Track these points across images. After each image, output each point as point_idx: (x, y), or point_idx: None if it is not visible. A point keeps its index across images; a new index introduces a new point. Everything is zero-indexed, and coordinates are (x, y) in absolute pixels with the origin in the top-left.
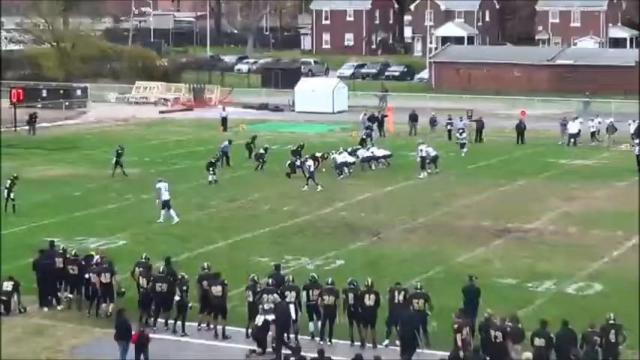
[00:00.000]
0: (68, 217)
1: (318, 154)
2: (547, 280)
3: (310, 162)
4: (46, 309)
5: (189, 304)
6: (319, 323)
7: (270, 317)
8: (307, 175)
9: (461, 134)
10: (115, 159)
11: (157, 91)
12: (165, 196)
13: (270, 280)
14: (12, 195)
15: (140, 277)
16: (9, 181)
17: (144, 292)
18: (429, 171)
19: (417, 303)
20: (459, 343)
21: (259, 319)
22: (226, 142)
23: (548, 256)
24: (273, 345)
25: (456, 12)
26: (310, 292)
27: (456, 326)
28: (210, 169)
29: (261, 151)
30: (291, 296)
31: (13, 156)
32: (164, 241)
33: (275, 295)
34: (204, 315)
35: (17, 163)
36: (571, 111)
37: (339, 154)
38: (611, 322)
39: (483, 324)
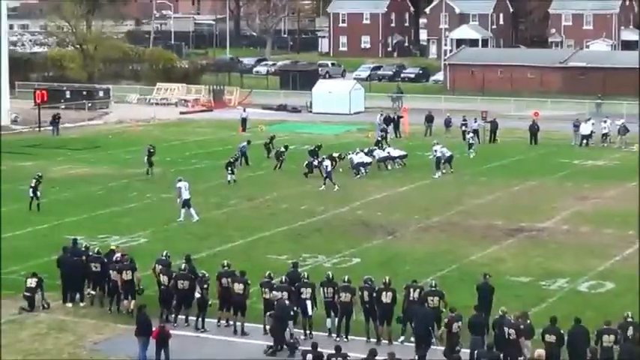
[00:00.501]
0: (90, 215)
1: (335, 155)
2: (559, 278)
3: (327, 162)
4: (69, 305)
5: (209, 302)
6: (336, 320)
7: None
8: (324, 175)
9: (469, 134)
10: (146, 158)
11: (178, 93)
12: (186, 195)
13: (283, 278)
14: (38, 194)
15: (160, 275)
16: (34, 181)
17: (164, 289)
18: (443, 171)
19: (432, 300)
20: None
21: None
22: (245, 143)
23: (561, 255)
24: (289, 340)
25: (471, 15)
26: (325, 289)
27: (446, 320)
28: (229, 168)
29: (282, 149)
30: (306, 292)
31: (37, 156)
32: (184, 239)
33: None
34: (224, 312)
35: (41, 162)
36: (583, 112)
37: (356, 154)
38: (629, 319)
39: (497, 321)
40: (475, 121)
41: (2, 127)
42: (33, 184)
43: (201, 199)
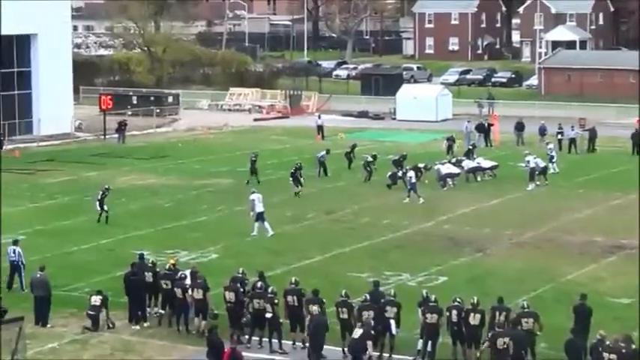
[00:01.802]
0: (158, 229)
1: (421, 165)
2: None
3: (412, 173)
4: (137, 326)
5: (281, 321)
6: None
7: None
8: (409, 187)
9: (548, 146)
10: (250, 166)
11: (252, 98)
12: (259, 207)
13: (365, 296)
14: (105, 206)
15: (226, 291)
16: (101, 193)
17: (231, 307)
18: (537, 183)
19: (526, 322)
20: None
21: (356, 333)
22: (324, 152)
23: None
24: None
25: (568, 15)
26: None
27: (490, 335)
28: (290, 179)
29: (369, 158)
30: (391, 311)
31: (102, 165)
32: (258, 255)
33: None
34: (297, 333)
35: (106, 172)
36: None
37: (443, 164)
38: None
39: (595, 345)
40: (572, 129)
41: (65, 134)
42: (100, 197)
43: (277, 212)
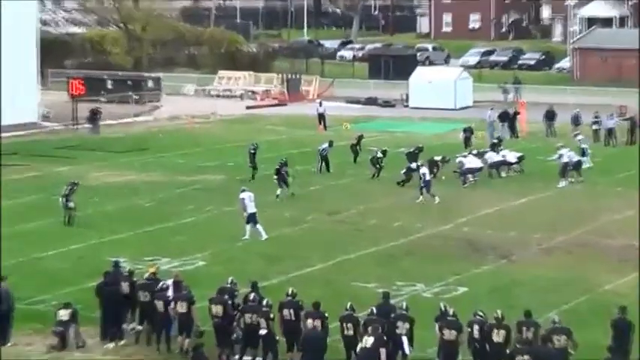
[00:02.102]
0: (137, 232)
1: (437, 158)
2: None
3: (425, 169)
4: (111, 344)
5: (277, 338)
6: None
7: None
8: (421, 185)
9: (579, 138)
10: (249, 160)
11: (244, 83)
12: (251, 208)
13: (371, 309)
14: (71, 204)
15: (213, 304)
16: (68, 188)
17: (218, 322)
18: (570, 179)
19: (558, 340)
20: None
21: (367, 341)
22: (326, 145)
23: None
24: None
25: None
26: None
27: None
28: (275, 177)
29: (379, 154)
30: (403, 327)
31: (73, 159)
32: (251, 263)
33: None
34: (295, 352)
35: (78, 167)
36: None
37: (466, 157)
38: None
39: None
40: (611, 118)
41: (31, 124)
42: (66, 193)
43: (273, 213)
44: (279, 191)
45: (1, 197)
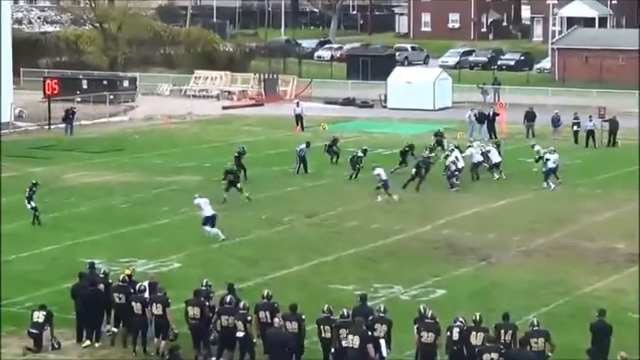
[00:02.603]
0: (112, 233)
1: (428, 154)
2: None
3: (380, 170)
4: (85, 345)
5: (255, 341)
6: None
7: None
8: (380, 184)
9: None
10: (234, 162)
11: (220, 83)
12: (208, 211)
13: (344, 311)
14: (33, 204)
15: (190, 306)
16: (28, 190)
17: (195, 325)
18: (559, 181)
19: (536, 343)
20: None
21: (351, 341)
22: (303, 145)
23: None
24: None
25: None
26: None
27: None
28: (223, 182)
29: (359, 154)
30: (381, 329)
31: (47, 160)
32: (227, 265)
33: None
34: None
35: (52, 167)
36: None
37: (472, 146)
38: None
39: None
40: (590, 120)
41: (4, 124)
42: (27, 194)
43: (250, 214)
44: (225, 195)
45: (1, 197)
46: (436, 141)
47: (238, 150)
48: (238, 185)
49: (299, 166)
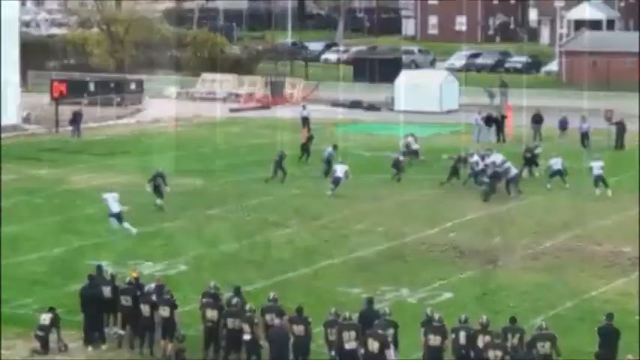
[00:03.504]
0: (118, 236)
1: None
2: None
3: (341, 167)
4: (90, 348)
5: (261, 343)
6: None
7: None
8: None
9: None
10: (274, 164)
11: (227, 85)
12: (115, 207)
13: (347, 314)
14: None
15: (207, 309)
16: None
17: (211, 327)
18: (566, 185)
19: (542, 346)
20: None
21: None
22: (330, 149)
23: None
24: None
25: None
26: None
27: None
28: (148, 187)
29: (400, 158)
30: (387, 333)
31: (54, 162)
32: (234, 267)
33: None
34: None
35: (59, 170)
36: None
37: (488, 155)
38: None
39: None
40: (584, 121)
41: (11, 126)
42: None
43: (256, 217)
44: (158, 201)
45: (1, 197)
46: (406, 143)
47: (279, 154)
48: (162, 189)
49: (328, 169)
